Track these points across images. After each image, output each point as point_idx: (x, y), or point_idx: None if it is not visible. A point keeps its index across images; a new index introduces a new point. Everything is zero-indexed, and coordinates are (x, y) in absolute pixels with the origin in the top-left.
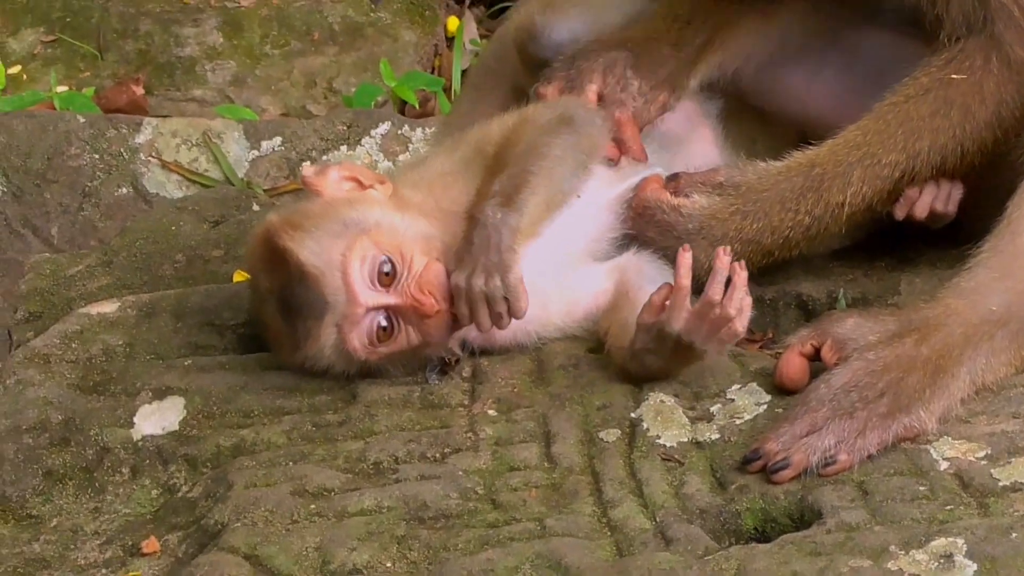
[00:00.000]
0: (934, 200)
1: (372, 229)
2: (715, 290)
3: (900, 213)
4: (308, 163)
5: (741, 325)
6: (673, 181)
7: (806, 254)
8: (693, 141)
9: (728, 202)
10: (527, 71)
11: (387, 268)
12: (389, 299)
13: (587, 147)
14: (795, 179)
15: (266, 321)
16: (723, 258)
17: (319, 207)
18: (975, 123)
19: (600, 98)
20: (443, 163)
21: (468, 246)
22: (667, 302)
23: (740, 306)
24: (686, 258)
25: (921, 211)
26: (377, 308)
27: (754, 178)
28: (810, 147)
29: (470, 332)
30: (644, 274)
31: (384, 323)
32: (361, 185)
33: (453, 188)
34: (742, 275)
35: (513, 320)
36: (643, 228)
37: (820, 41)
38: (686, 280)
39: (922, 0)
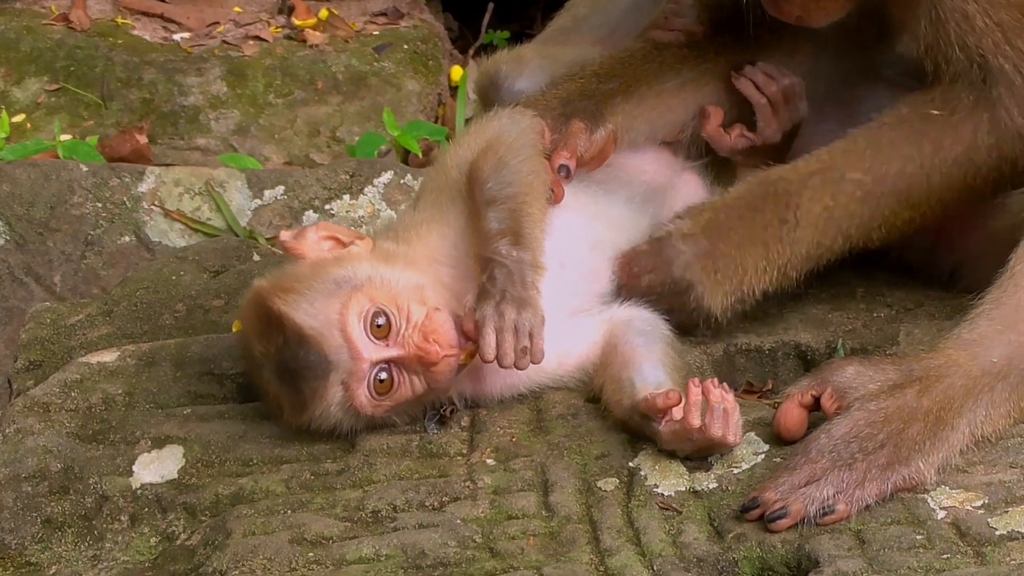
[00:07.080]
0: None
1: (364, 284)
2: (716, 427)
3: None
4: (285, 229)
5: (739, 440)
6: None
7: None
8: (679, 186)
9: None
10: None
11: (381, 320)
12: (391, 352)
13: (539, 151)
14: (755, 188)
15: (264, 386)
16: (714, 392)
17: (307, 268)
18: (943, 157)
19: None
20: (416, 213)
21: (492, 281)
22: (673, 409)
23: (736, 430)
24: (695, 394)
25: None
26: (380, 361)
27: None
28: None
29: (465, 384)
30: (633, 327)
31: (383, 376)
32: (340, 243)
33: (430, 235)
34: (729, 398)
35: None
36: (633, 288)
37: (821, 95)
38: (695, 421)
39: (924, 59)
